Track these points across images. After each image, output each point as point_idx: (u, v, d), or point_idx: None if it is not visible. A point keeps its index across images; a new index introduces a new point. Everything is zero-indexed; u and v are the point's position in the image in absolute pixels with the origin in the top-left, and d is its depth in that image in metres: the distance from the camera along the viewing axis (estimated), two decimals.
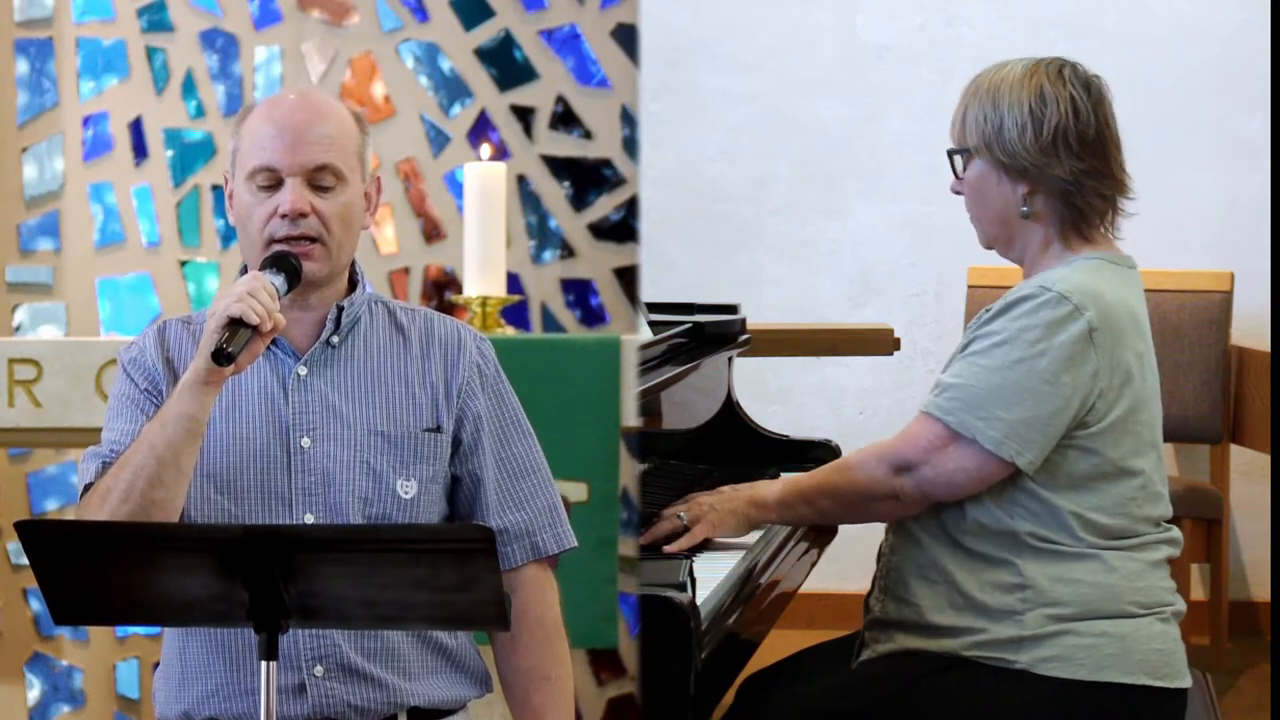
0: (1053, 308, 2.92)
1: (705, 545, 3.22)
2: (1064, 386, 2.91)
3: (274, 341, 2.66)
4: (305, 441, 2.64)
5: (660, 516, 3.20)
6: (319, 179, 2.64)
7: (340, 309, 2.69)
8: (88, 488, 2.60)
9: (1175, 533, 3.06)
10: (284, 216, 2.62)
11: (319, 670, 2.62)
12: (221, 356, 2.48)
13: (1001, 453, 2.91)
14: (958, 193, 3.08)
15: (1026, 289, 2.96)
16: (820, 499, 3.11)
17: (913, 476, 2.97)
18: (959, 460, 2.94)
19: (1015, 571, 2.94)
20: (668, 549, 3.15)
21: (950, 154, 3.05)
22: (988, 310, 3.01)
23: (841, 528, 3.62)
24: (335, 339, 2.69)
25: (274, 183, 2.64)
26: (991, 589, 2.95)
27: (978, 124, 3.02)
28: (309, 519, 2.62)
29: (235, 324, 2.50)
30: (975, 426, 2.92)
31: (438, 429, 2.69)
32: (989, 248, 3.11)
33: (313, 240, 2.64)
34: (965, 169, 3.05)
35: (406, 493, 2.66)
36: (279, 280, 2.58)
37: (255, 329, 2.50)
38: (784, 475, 3.31)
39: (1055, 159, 2.97)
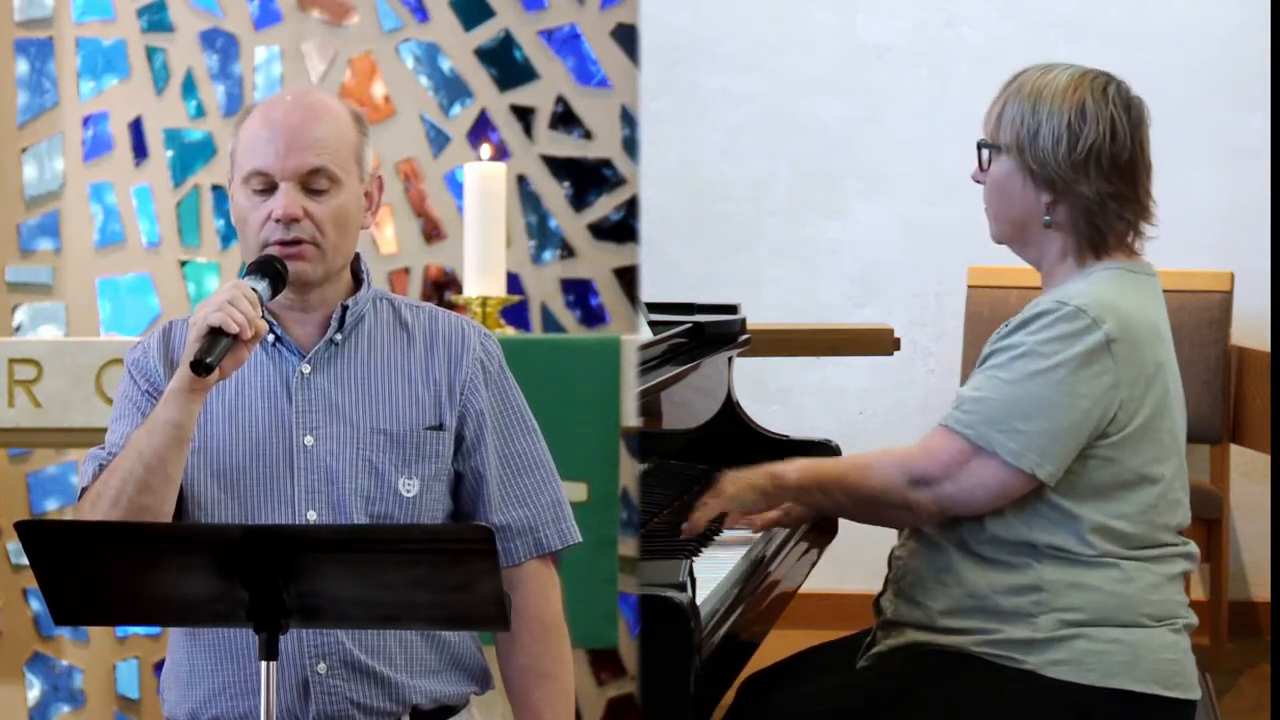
0: (1070, 321, 2.90)
1: (719, 526, 3.25)
2: (1082, 399, 2.90)
3: (278, 340, 2.68)
4: (308, 440, 2.65)
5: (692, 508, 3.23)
6: (312, 182, 2.65)
7: (345, 308, 2.70)
8: (84, 490, 2.61)
9: (1192, 547, 3.04)
10: (277, 221, 2.63)
11: (322, 667, 2.62)
12: (200, 367, 2.49)
13: (1021, 464, 2.89)
14: (979, 182, 3.06)
15: (1044, 304, 2.95)
16: (837, 491, 3.09)
17: (931, 491, 2.95)
18: (980, 475, 2.92)
19: (1032, 575, 2.93)
20: (689, 524, 3.19)
21: (980, 145, 3.03)
22: (1007, 324, 2.99)
23: (842, 527, 3.62)
24: (339, 337, 2.69)
25: (268, 186, 2.64)
26: (1006, 592, 2.94)
27: (1013, 124, 2.99)
28: (311, 516, 2.62)
29: (215, 333, 2.50)
30: (995, 439, 2.90)
31: (440, 427, 2.69)
32: (1000, 243, 3.09)
33: (305, 242, 2.64)
34: (991, 163, 3.03)
35: (409, 491, 2.66)
36: (262, 286, 2.58)
37: (236, 337, 2.51)
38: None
39: (1085, 177, 2.96)
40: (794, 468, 3.17)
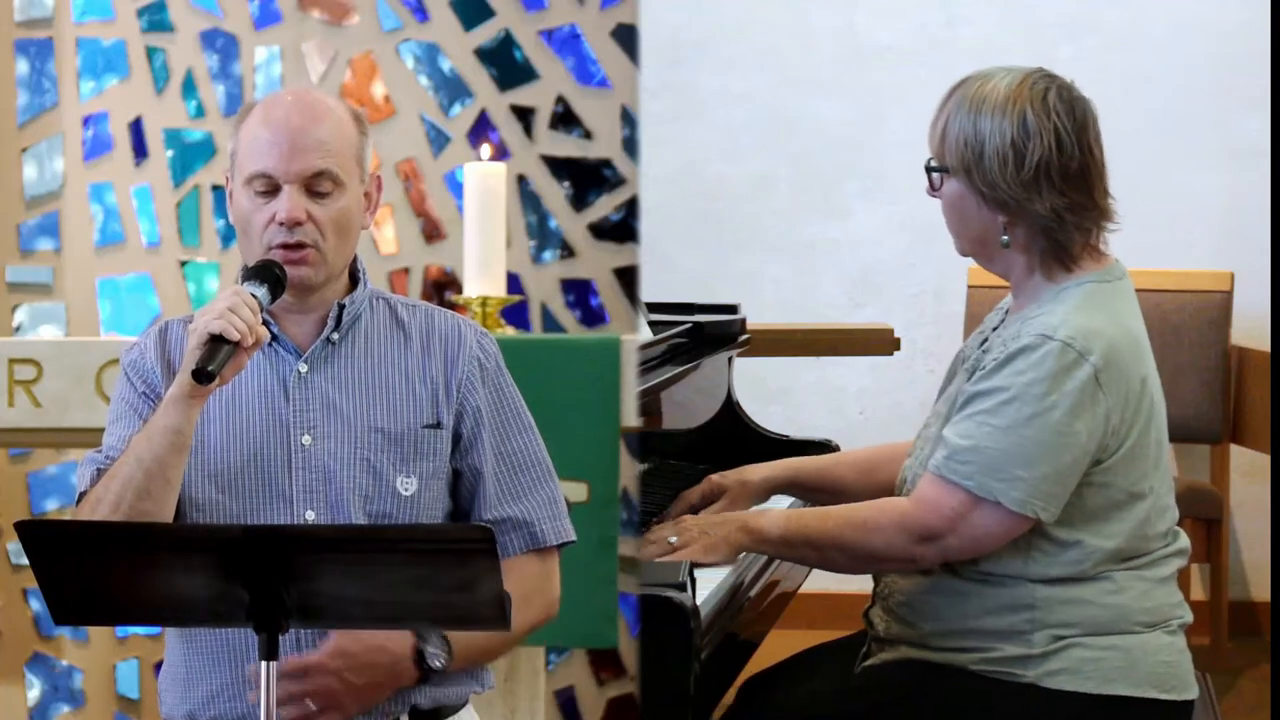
0: (1056, 357, 2.84)
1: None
2: (1079, 435, 2.85)
3: (275, 340, 2.68)
4: (306, 439, 2.65)
5: (647, 540, 3.12)
6: (316, 185, 2.65)
7: (341, 306, 2.70)
8: (83, 495, 2.61)
9: (1183, 541, 3.01)
10: (280, 224, 2.63)
11: None
12: (202, 375, 2.48)
13: (1026, 511, 2.85)
14: (934, 197, 3.02)
15: (1026, 339, 2.88)
16: (830, 549, 3.00)
17: (935, 545, 2.90)
18: (985, 525, 2.87)
19: (1023, 594, 2.91)
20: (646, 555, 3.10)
21: (928, 169, 2.99)
22: (986, 351, 2.95)
23: None
24: (335, 336, 2.69)
25: (271, 189, 2.64)
26: (998, 611, 2.92)
27: (958, 146, 2.94)
28: (310, 516, 2.63)
29: (216, 341, 2.50)
30: (997, 489, 2.85)
31: (437, 425, 2.69)
32: (965, 256, 3.06)
33: (308, 247, 2.64)
34: (943, 184, 2.98)
35: (407, 489, 2.67)
36: (261, 291, 2.58)
37: (237, 344, 2.50)
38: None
39: (1037, 194, 2.89)
40: (775, 522, 3.06)
